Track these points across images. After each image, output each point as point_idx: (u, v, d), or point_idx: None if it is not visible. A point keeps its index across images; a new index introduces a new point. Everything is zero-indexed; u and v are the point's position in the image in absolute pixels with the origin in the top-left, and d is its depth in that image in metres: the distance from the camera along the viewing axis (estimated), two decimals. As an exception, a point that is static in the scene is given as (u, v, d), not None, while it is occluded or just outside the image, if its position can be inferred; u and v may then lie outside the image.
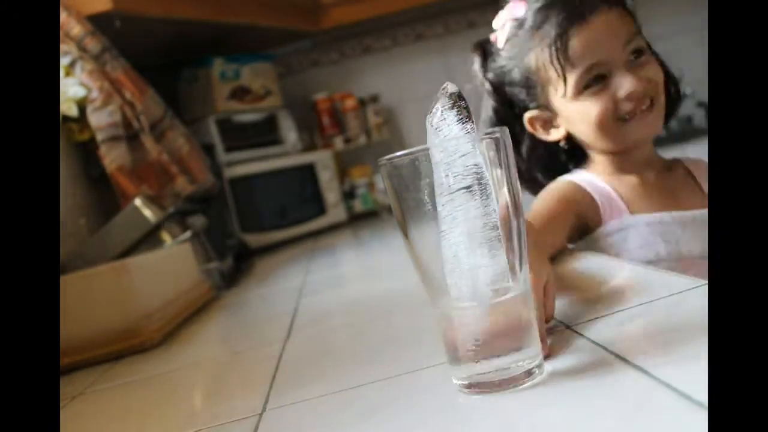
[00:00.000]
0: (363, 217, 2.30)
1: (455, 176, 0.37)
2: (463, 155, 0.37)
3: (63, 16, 1.37)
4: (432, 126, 0.39)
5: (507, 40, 0.82)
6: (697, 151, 2.01)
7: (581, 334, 0.45)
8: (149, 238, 1.19)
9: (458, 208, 0.38)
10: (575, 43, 0.76)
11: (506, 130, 0.40)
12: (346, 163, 2.40)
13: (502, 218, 0.39)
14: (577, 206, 0.78)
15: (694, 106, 2.45)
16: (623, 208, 0.79)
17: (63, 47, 1.36)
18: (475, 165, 0.37)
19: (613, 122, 0.77)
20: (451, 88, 0.39)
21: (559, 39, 0.76)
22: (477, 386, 0.40)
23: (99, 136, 1.37)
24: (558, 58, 0.76)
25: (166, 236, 1.20)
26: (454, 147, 0.38)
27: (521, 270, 0.40)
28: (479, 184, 0.38)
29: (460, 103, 0.39)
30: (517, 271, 0.40)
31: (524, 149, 0.86)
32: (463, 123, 0.38)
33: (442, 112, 0.39)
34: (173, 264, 1.07)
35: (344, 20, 2.18)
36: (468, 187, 0.37)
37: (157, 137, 1.46)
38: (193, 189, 1.46)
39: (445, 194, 0.38)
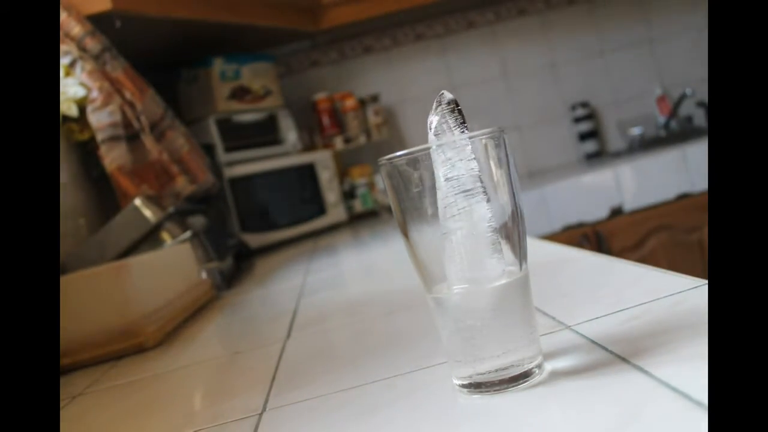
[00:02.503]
0: (363, 217, 2.30)
1: (458, 178, 0.38)
2: (463, 159, 0.38)
3: (63, 16, 1.37)
4: (432, 130, 0.40)
5: None
6: (697, 151, 2.02)
7: (581, 334, 0.45)
8: (149, 238, 1.19)
9: (462, 210, 0.38)
10: None
11: (504, 129, 0.40)
12: (346, 163, 2.40)
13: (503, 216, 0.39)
14: None
15: (694, 106, 2.45)
16: None
17: (63, 47, 1.36)
18: (476, 168, 0.38)
19: None
20: (448, 95, 0.40)
21: None
22: (477, 386, 0.40)
23: (99, 136, 1.37)
24: None
25: (166, 236, 1.20)
26: (456, 151, 0.38)
27: (522, 266, 0.40)
28: (479, 187, 0.38)
29: (458, 108, 0.40)
30: (518, 266, 0.40)
31: None
32: (462, 128, 0.39)
33: (443, 116, 0.40)
34: (173, 264, 1.07)
35: (344, 20, 2.18)
36: (470, 190, 0.38)
37: (157, 137, 1.46)
38: (193, 189, 1.46)
39: (450, 196, 0.38)
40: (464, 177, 0.38)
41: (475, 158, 0.38)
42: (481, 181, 0.38)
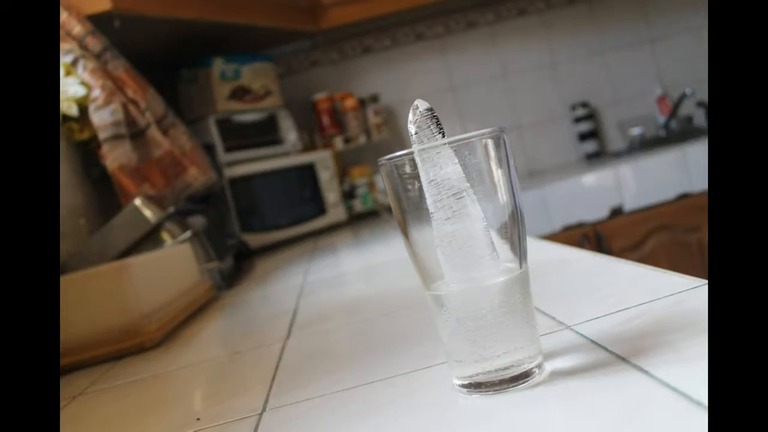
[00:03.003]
0: (363, 217, 2.30)
1: (448, 181, 0.38)
2: (449, 163, 0.38)
3: (64, 15, 1.37)
4: (413, 138, 0.40)
5: None
6: (697, 151, 2.02)
7: (581, 334, 0.45)
8: (149, 238, 1.19)
9: (455, 212, 0.38)
10: None
11: (504, 129, 0.40)
12: (346, 163, 2.40)
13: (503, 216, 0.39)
14: None
15: (694, 106, 2.45)
16: None
17: (65, 46, 1.36)
18: (461, 171, 0.39)
19: None
20: (424, 103, 0.41)
21: None
22: (477, 386, 0.40)
23: (101, 135, 1.37)
24: None
25: (166, 236, 1.20)
26: (442, 155, 0.38)
27: (522, 266, 0.40)
28: (469, 188, 0.39)
29: (435, 115, 0.40)
30: (518, 266, 0.40)
31: None
32: (441, 135, 0.40)
33: (424, 122, 0.40)
34: (173, 264, 1.07)
35: (344, 20, 2.18)
36: (460, 192, 0.38)
37: (161, 134, 1.45)
38: (204, 181, 1.46)
39: (444, 199, 0.38)
40: (453, 179, 0.38)
41: (457, 162, 0.39)
42: (467, 184, 0.39)
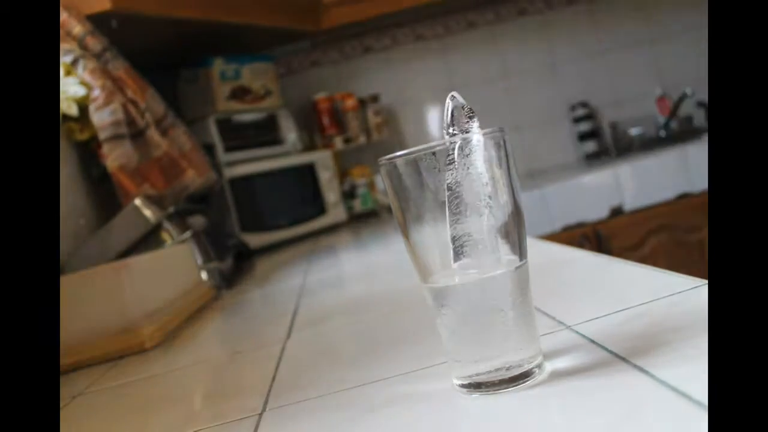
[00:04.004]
0: (363, 217, 2.30)
1: (476, 179, 0.38)
2: (475, 162, 0.38)
3: (63, 15, 1.37)
4: (447, 132, 0.40)
5: None
6: (697, 151, 2.02)
7: (581, 334, 0.45)
8: (149, 238, 1.19)
9: (468, 211, 0.39)
10: None
11: (504, 129, 0.40)
12: (346, 163, 2.40)
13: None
14: None
15: (694, 106, 2.45)
16: None
17: (65, 46, 1.36)
18: (485, 172, 0.39)
19: None
20: (459, 98, 0.40)
21: None
22: (477, 386, 0.40)
23: (101, 135, 1.37)
24: None
25: (166, 236, 1.20)
26: (475, 153, 0.38)
27: (521, 263, 0.40)
28: (489, 187, 0.39)
29: (473, 111, 0.40)
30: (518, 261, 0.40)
31: None
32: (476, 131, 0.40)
33: (460, 114, 0.40)
34: (173, 264, 1.07)
35: (344, 20, 2.18)
36: (480, 192, 0.38)
37: (161, 135, 1.45)
38: (202, 182, 1.46)
39: (459, 196, 0.39)
40: (477, 180, 0.38)
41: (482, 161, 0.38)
42: (487, 182, 0.39)
